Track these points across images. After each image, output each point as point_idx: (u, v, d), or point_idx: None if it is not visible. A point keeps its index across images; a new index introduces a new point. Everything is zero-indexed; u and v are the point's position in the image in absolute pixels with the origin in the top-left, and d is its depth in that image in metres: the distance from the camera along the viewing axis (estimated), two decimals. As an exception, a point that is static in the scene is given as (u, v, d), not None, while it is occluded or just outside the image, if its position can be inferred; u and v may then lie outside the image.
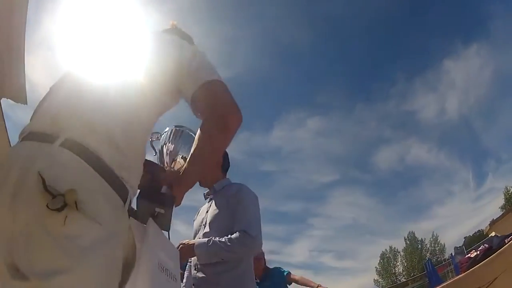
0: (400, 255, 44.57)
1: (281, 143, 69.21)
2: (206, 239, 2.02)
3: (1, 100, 6.95)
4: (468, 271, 3.26)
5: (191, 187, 1.31)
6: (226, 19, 59.62)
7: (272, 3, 59.65)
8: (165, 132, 1.62)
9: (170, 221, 1.27)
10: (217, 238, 2.01)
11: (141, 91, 1.13)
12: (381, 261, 45.18)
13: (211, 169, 2.32)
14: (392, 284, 40.10)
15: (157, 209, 1.20)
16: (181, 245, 2.06)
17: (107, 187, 0.93)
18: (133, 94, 1.10)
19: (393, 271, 43.72)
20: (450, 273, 15.28)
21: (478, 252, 3.77)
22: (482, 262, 3.25)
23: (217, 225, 2.13)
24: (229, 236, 2.03)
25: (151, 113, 1.20)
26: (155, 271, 1.14)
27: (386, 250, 45.73)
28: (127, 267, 0.99)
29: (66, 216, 0.81)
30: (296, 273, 4.64)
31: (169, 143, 1.57)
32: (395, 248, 45.38)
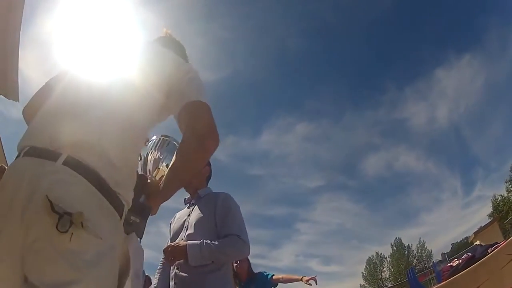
0: (387, 261, 44.91)
1: (269, 147, 68.78)
2: (198, 241, 2.06)
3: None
4: (450, 279, 3.32)
5: (167, 200, 1.36)
6: (217, 19, 58.98)
7: (263, 6, 59.45)
8: (152, 140, 1.65)
9: (144, 230, 1.32)
10: (208, 240, 2.05)
11: (136, 103, 1.18)
12: (368, 266, 45.46)
13: (198, 177, 2.42)
14: (378, 289, 40.40)
15: (133, 218, 1.24)
16: (170, 247, 2.09)
17: (107, 203, 0.99)
18: (128, 108, 1.16)
19: (380, 276, 44.01)
20: (431, 281, 15.36)
21: (460, 261, 3.84)
22: (465, 271, 3.31)
23: (202, 227, 2.18)
24: (221, 239, 2.08)
25: (146, 125, 1.25)
26: (134, 280, 1.19)
27: (372, 255, 46.03)
28: (122, 275, 1.06)
29: (72, 233, 0.86)
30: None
31: (154, 151, 1.61)
32: (381, 254, 45.75)
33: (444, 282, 3.44)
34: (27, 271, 0.85)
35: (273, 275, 4.69)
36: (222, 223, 2.17)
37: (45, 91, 1.32)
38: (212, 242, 2.05)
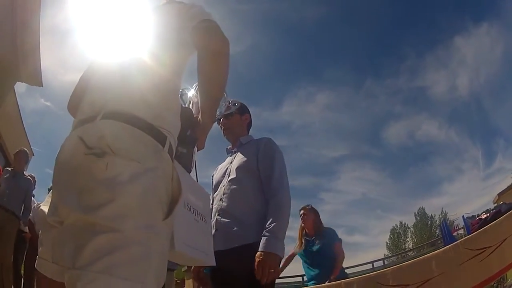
0: (410, 230, 44.81)
1: (291, 118, 68.43)
2: (265, 237, 1.96)
3: (15, 85, 7.10)
4: (480, 230, 3.34)
5: (210, 126, 1.46)
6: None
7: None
8: (193, 87, 1.71)
9: (192, 161, 1.40)
10: (271, 228, 1.98)
11: (159, 51, 1.29)
12: (392, 236, 45.39)
13: (240, 124, 2.46)
14: (402, 259, 40.38)
15: (180, 149, 1.32)
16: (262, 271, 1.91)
17: (144, 135, 1.09)
18: (152, 57, 1.27)
19: (403, 246, 43.97)
20: (463, 235, 15.14)
21: (488, 214, 3.85)
22: (492, 223, 3.32)
23: (244, 170, 2.20)
24: (269, 212, 2.05)
25: (173, 64, 1.34)
26: (182, 209, 1.24)
27: (396, 225, 45.91)
28: (173, 201, 1.12)
29: (108, 163, 0.98)
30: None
31: (195, 98, 1.66)
32: (405, 223, 45.62)
33: (474, 233, 3.47)
34: (68, 204, 1.00)
35: (340, 241, 4.56)
36: (264, 170, 2.18)
37: (80, 84, 1.45)
38: (269, 225, 2.00)
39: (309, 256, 4.47)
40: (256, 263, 1.90)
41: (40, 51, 5.56)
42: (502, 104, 53.78)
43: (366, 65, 65.35)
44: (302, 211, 4.68)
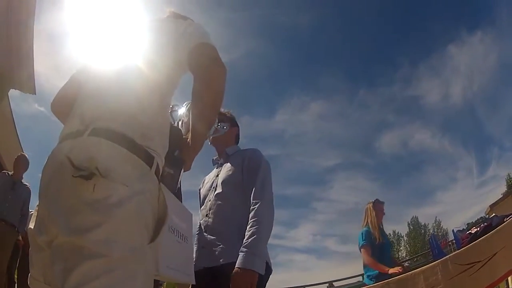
0: (404, 239, 44.99)
1: (284, 126, 69.25)
2: (243, 253, 1.90)
3: (9, 92, 7.07)
4: (469, 245, 3.35)
5: (199, 150, 1.45)
6: (225, 1, 58.61)
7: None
8: (181, 107, 1.71)
9: (177, 182, 1.40)
10: (248, 244, 1.92)
11: (152, 68, 1.28)
12: (385, 245, 45.37)
13: (227, 137, 2.41)
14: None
15: (167, 170, 1.32)
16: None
17: (130, 155, 1.08)
18: (145, 74, 1.26)
19: (397, 255, 44.02)
20: (452, 248, 15.15)
21: (478, 228, 3.86)
22: (482, 238, 3.33)
23: (230, 184, 2.16)
24: (249, 226, 1.99)
25: (166, 83, 1.33)
26: (166, 232, 1.23)
27: (389, 234, 45.92)
28: (159, 223, 1.13)
29: (95, 184, 0.98)
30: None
31: (185, 117, 1.66)
32: (398, 232, 45.78)
33: (463, 248, 3.47)
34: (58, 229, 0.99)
35: None
36: (248, 183, 2.14)
37: (70, 84, 1.45)
38: (246, 240, 1.94)
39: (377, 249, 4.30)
40: (231, 280, 1.85)
41: (34, 58, 5.56)
42: (496, 112, 54.71)
43: (360, 74, 66.45)
44: (376, 203, 4.63)
